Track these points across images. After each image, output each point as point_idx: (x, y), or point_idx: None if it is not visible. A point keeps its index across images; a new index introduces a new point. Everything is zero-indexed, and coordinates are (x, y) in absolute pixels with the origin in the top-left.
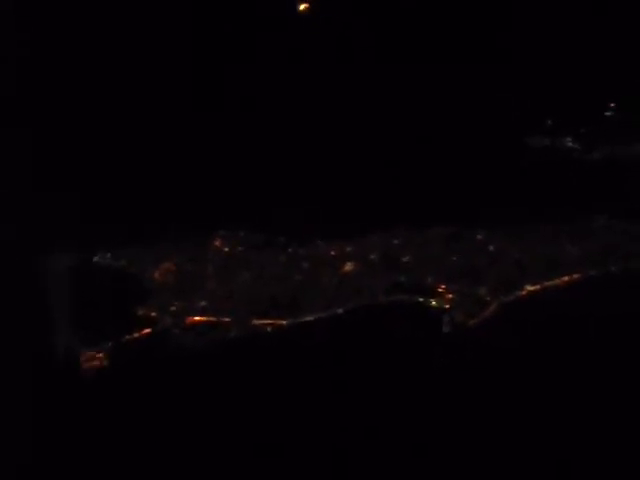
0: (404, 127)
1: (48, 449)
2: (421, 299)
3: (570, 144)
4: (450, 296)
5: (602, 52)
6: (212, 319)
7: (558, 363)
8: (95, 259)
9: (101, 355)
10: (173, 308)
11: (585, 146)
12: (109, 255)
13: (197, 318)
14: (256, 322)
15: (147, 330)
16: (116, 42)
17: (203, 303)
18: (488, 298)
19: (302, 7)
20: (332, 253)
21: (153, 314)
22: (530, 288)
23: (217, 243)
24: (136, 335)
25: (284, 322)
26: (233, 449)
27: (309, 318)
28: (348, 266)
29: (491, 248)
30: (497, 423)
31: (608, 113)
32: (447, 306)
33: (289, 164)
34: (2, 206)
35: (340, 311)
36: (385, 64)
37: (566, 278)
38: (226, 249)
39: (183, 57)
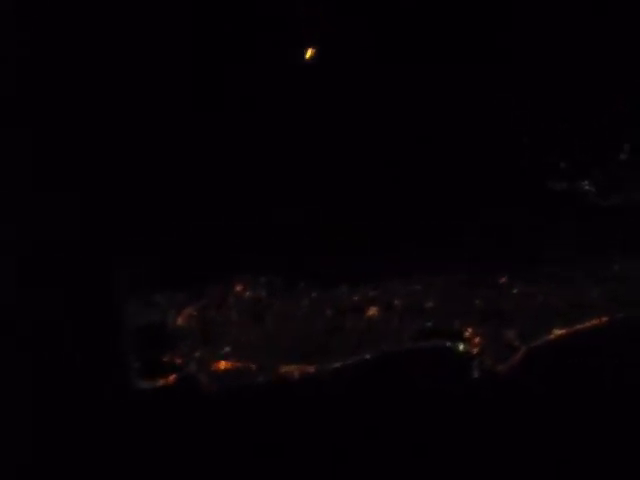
0: (425, 173)
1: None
2: (449, 344)
3: (587, 187)
4: (478, 340)
5: (615, 94)
6: (237, 365)
7: (586, 408)
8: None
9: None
10: (198, 354)
11: (601, 189)
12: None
13: (222, 363)
14: (283, 368)
15: (173, 376)
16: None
17: (227, 349)
18: (517, 343)
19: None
20: (355, 298)
21: (178, 360)
22: (558, 332)
23: (239, 288)
24: (162, 381)
25: (312, 368)
26: None
27: (336, 364)
28: (372, 311)
29: (515, 291)
30: (525, 467)
31: (623, 156)
32: (475, 350)
33: (307, 210)
34: None
35: (367, 357)
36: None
37: (594, 321)
38: (248, 294)
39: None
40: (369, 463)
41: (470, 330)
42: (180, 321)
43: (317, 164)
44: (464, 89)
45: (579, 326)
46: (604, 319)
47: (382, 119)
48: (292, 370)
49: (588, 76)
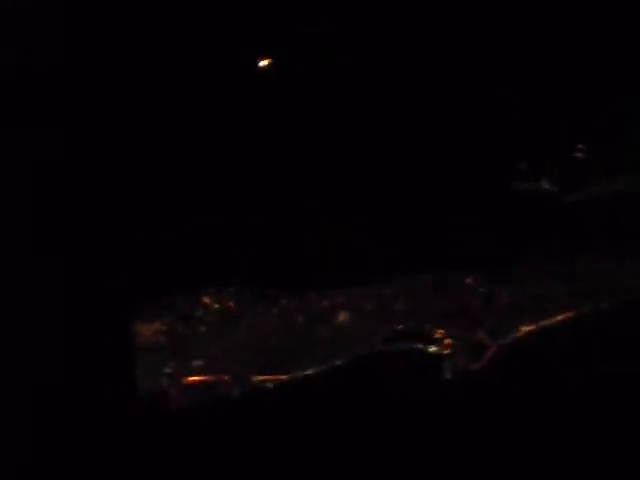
0: (386, 177)
1: None
2: (420, 346)
3: (547, 187)
4: (449, 341)
5: (571, 94)
6: (210, 378)
7: (558, 401)
8: None
9: None
10: (168, 369)
11: (561, 188)
12: None
13: (194, 378)
14: (257, 379)
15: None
16: None
17: (199, 362)
18: (487, 341)
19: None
20: (325, 304)
21: (147, 375)
22: (526, 329)
23: (206, 300)
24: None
25: (285, 377)
26: None
27: (309, 372)
28: (342, 316)
29: (482, 290)
30: (498, 469)
31: (578, 155)
32: (447, 351)
33: (273, 218)
34: None
35: (339, 362)
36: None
37: (560, 317)
38: (216, 306)
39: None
40: (347, 469)
41: (440, 331)
42: (146, 336)
43: (282, 168)
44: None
45: (545, 322)
46: (570, 314)
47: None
48: (265, 380)
49: (547, 76)
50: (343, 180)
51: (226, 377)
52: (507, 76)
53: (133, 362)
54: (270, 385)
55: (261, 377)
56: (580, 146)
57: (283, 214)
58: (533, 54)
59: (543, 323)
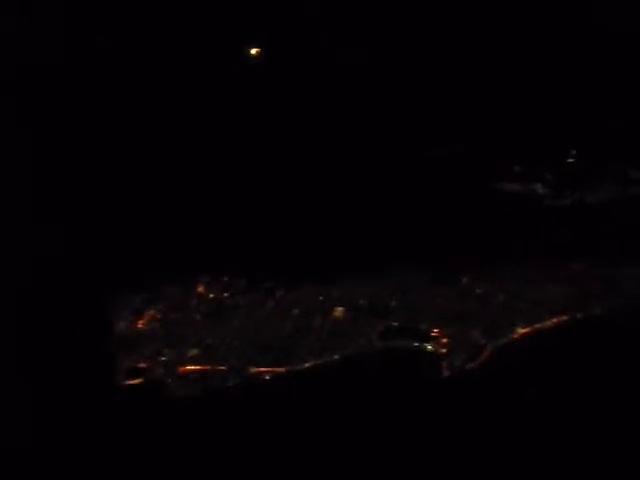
0: (380, 173)
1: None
2: (416, 344)
3: (540, 191)
4: (445, 340)
5: (564, 100)
6: (206, 368)
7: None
8: None
9: None
10: (163, 358)
11: (554, 192)
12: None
13: (190, 367)
14: (253, 370)
15: (138, 380)
16: None
17: (194, 352)
18: (483, 342)
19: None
20: (320, 298)
21: (142, 365)
22: (522, 331)
23: (201, 289)
24: (128, 384)
25: (282, 369)
26: None
27: (307, 365)
28: (338, 312)
29: (478, 291)
30: (496, 468)
31: (570, 160)
32: (444, 350)
33: (269, 208)
34: None
35: (336, 357)
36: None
37: (554, 320)
38: (211, 295)
39: None
40: (340, 463)
41: (436, 330)
42: (141, 324)
43: (277, 159)
44: None
45: (540, 325)
46: (564, 318)
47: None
48: (262, 372)
49: (538, 80)
50: (342, 176)
51: (222, 368)
52: (505, 77)
53: (110, 349)
54: (267, 377)
55: (258, 369)
56: (573, 151)
57: (281, 205)
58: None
59: (539, 325)
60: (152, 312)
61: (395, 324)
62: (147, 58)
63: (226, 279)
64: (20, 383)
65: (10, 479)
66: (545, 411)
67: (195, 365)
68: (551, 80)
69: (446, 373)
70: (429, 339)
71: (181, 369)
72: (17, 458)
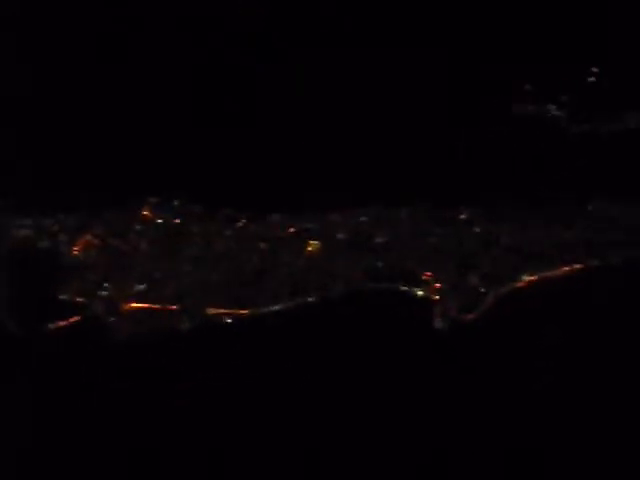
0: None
1: None
2: (404, 287)
3: (554, 112)
4: (438, 285)
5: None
6: (154, 306)
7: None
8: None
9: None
10: (104, 292)
11: (570, 114)
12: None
13: (136, 305)
14: (211, 311)
15: (75, 318)
16: None
17: (141, 287)
18: (482, 289)
19: None
20: (291, 230)
21: (79, 299)
22: (528, 278)
23: (146, 213)
24: (63, 323)
25: (245, 312)
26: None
27: (275, 308)
28: (312, 246)
29: (477, 230)
30: (494, 421)
31: (591, 79)
32: (436, 297)
33: (230, 116)
34: None
35: (311, 299)
36: None
37: (566, 268)
38: (159, 220)
39: None
40: (311, 420)
41: (428, 273)
42: (77, 251)
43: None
44: None
45: (549, 273)
46: (577, 267)
47: None
48: (221, 314)
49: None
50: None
51: (174, 307)
52: None
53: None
54: (227, 320)
55: (217, 310)
56: (594, 70)
57: (248, 119)
58: None
59: (547, 274)
60: (88, 237)
61: (380, 264)
62: None
63: (176, 202)
64: None
65: None
66: (552, 376)
67: (141, 303)
68: None
69: (439, 324)
70: (419, 283)
71: (125, 306)
72: None
